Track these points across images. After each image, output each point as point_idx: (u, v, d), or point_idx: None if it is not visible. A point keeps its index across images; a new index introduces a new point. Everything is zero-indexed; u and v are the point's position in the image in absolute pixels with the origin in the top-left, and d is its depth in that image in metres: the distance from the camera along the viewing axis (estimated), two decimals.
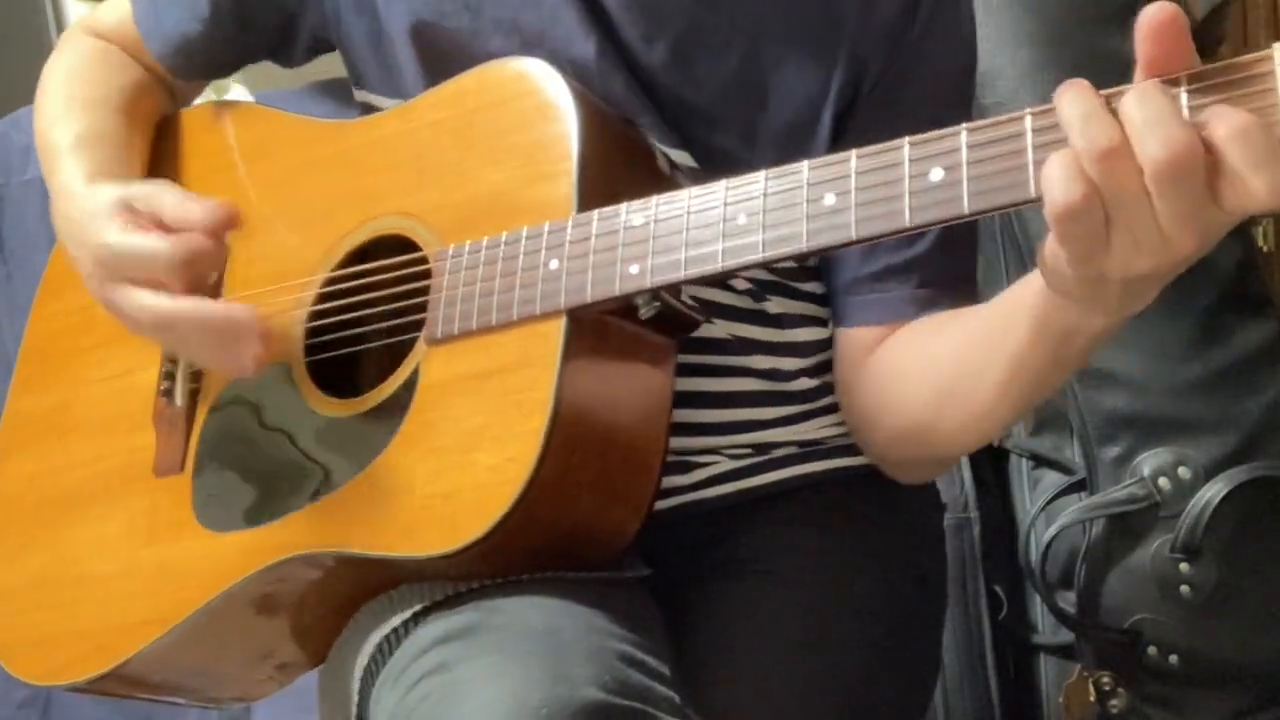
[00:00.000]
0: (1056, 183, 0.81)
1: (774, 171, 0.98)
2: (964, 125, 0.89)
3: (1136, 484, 1.51)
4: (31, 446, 1.32)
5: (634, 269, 1.01)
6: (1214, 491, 1.49)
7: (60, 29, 2.26)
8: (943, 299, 1.15)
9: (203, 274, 1.14)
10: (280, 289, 1.18)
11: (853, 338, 1.18)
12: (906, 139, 0.91)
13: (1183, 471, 1.50)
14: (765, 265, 1.00)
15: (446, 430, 1.05)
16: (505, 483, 1.00)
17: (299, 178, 1.23)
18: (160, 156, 1.31)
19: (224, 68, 1.35)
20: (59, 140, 1.26)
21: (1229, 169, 0.78)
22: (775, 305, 1.19)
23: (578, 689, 0.91)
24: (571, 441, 1.01)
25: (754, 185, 0.98)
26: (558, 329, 1.02)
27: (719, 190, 1.00)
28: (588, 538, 1.06)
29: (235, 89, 1.51)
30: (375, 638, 1.03)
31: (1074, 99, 0.82)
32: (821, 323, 1.21)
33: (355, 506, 1.07)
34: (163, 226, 1.13)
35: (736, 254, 0.98)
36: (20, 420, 1.34)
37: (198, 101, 1.40)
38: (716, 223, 0.99)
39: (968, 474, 1.61)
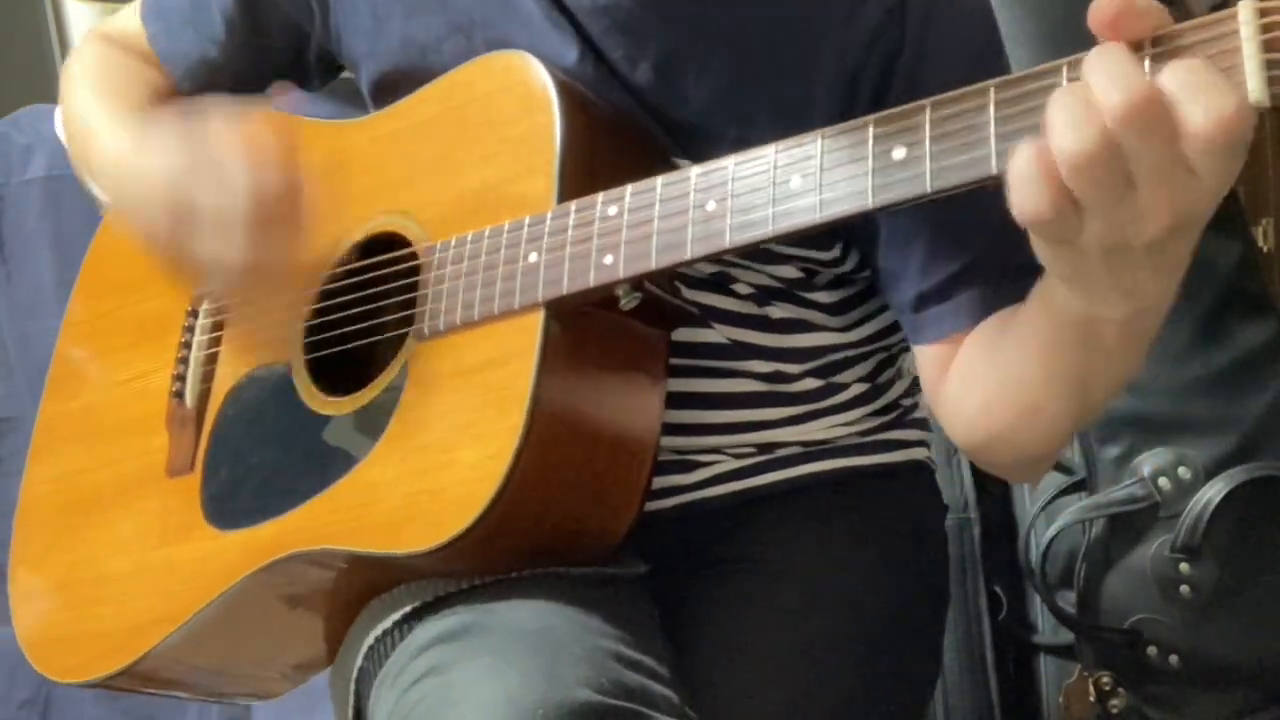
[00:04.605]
0: (1063, 132, 0.76)
1: (742, 156, 0.97)
2: (929, 101, 0.87)
3: (1136, 484, 1.51)
4: (59, 450, 1.33)
5: (608, 259, 1.00)
6: (1214, 491, 1.48)
7: (60, 29, 2.27)
8: (1005, 293, 1.07)
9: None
10: None
11: (930, 355, 1.12)
12: (871, 117, 0.90)
13: (1183, 471, 1.50)
14: (734, 252, 0.99)
15: (432, 427, 1.05)
16: (485, 479, 0.99)
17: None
18: None
19: (244, 87, 1.34)
20: (99, 122, 1.25)
21: (1178, 105, 0.75)
22: (778, 311, 1.17)
23: (572, 690, 0.91)
24: (552, 437, 1.01)
25: (722, 171, 0.97)
26: (536, 322, 1.02)
27: (690, 178, 0.99)
28: (577, 535, 1.06)
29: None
30: (369, 638, 1.04)
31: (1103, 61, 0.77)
32: (826, 329, 1.19)
33: (346, 504, 1.08)
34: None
35: (705, 241, 0.97)
36: (51, 425, 1.35)
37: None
38: (686, 210, 0.98)
39: (968, 474, 1.61)
